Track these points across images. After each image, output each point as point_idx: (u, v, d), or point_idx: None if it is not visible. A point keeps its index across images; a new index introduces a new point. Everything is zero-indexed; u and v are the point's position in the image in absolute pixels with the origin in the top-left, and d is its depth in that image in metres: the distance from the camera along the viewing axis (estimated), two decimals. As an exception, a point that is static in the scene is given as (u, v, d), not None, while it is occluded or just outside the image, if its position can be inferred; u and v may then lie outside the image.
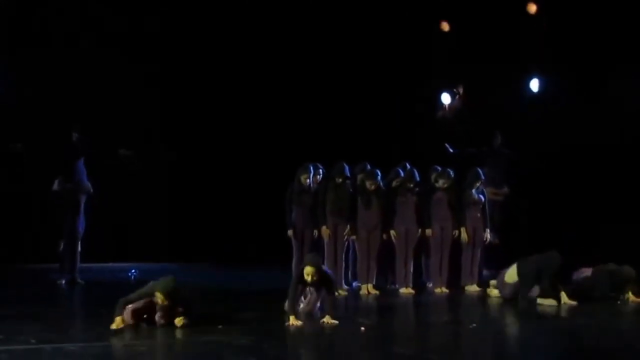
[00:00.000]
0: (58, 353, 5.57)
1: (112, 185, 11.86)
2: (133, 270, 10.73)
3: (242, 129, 13.03)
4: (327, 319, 6.77)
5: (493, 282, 8.87)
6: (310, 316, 7.08)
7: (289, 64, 13.25)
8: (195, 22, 12.69)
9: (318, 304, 7.22)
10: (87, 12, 11.95)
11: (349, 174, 9.04)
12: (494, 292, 8.72)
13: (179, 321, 6.46)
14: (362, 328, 6.70)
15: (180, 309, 6.57)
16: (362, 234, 9.05)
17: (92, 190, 9.80)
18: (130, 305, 6.48)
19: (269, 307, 7.42)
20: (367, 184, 9.00)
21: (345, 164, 9.02)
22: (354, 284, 9.36)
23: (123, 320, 6.37)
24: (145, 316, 6.59)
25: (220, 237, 12.66)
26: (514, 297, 8.19)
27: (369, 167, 9.25)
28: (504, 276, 8.40)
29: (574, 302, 7.98)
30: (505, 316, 7.90)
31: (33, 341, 5.82)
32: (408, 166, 9.43)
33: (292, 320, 6.65)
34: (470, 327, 6.93)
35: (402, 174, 9.30)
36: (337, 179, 8.93)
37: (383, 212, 9.08)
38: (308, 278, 6.85)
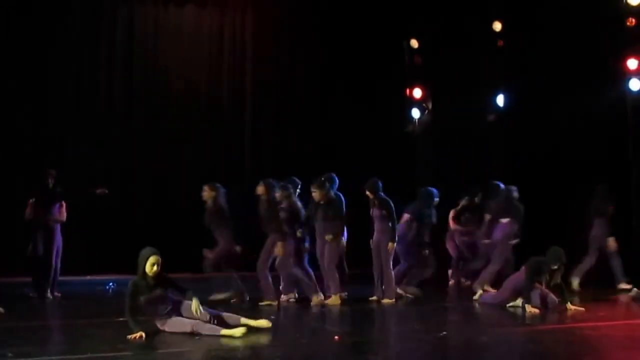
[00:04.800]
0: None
1: (89, 197, 11.92)
2: (111, 283, 10.76)
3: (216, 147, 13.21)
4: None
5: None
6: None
7: (268, 78, 13.47)
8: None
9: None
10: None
11: (299, 187, 9.27)
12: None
13: (238, 331, 6.57)
14: (336, 337, 6.83)
15: (173, 289, 6.79)
16: (320, 245, 9.12)
17: (65, 220, 9.76)
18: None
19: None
20: (316, 195, 9.06)
21: (295, 178, 9.28)
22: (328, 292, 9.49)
23: (142, 336, 6.41)
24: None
25: (197, 249, 12.69)
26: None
27: (322, 179, 9.24)
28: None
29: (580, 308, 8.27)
30: (476, 324, 8.05)
31: (10, 355, 5.82)
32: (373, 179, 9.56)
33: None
34: (441, 335, 7.06)
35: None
36: (290, 192, 9.08)
37: (341, 223, 9.14)
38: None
